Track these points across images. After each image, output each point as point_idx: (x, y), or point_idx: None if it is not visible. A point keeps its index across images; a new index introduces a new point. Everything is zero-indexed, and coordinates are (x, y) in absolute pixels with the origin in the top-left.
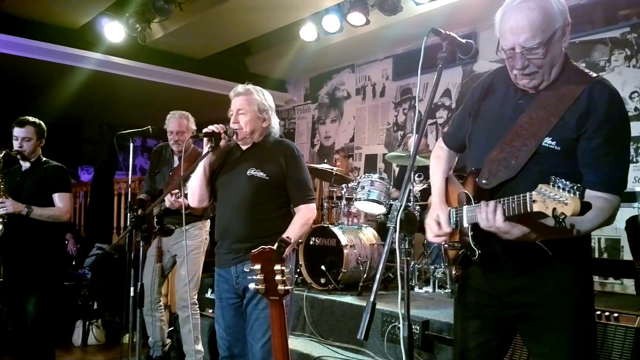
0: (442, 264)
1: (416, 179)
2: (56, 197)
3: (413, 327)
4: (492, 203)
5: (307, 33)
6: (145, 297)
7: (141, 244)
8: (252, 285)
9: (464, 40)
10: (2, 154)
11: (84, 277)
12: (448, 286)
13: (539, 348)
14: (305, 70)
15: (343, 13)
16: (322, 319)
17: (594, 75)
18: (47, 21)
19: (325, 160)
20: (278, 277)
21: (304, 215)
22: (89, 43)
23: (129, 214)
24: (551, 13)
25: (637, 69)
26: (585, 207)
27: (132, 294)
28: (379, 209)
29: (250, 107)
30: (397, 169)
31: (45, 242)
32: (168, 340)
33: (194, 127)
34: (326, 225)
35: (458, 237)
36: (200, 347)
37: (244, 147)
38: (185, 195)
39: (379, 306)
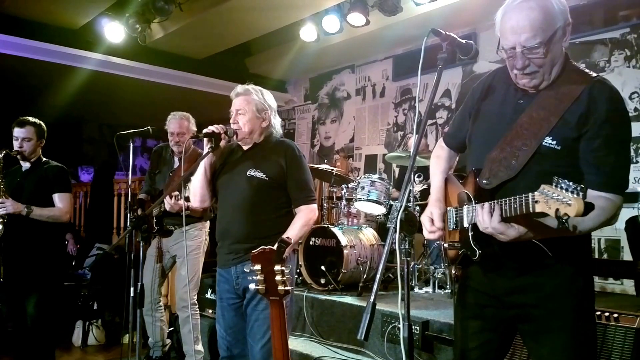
0: (442, 265)
1: (416, 179)
2: (56, 197)
3: (413, 327)
4: (487, 205)
5: (307, 33)
6: (145, 297)
7: (141, 244)
8: (252, 286)
9: (464, 41)
10: (2, 154)
11: (84, 278)
12: (448, 286)
13: (539, 348)
14: (305, 71)
15: (343, 13)
16: (322, 320)
17: (595, 75)
18: (47, 21)
19: (325, 161)
20: (278, 278)
21: (305, 215)
22: (89, 43)
23: (129, 214)
24: (552, 13)
25: (637, 70)
26: (589, 207)
27: (132, 294)
28: (379, 210)
29: (248, 107)
30: (397, 170)
31: (45, 242)
32: (168, 341)
33: (195, 128)
34: (326, 226)
35: (458, 237)
36: (200, 347)
37: (245, 148)
38: (186, 198)
39: (379, 306)
